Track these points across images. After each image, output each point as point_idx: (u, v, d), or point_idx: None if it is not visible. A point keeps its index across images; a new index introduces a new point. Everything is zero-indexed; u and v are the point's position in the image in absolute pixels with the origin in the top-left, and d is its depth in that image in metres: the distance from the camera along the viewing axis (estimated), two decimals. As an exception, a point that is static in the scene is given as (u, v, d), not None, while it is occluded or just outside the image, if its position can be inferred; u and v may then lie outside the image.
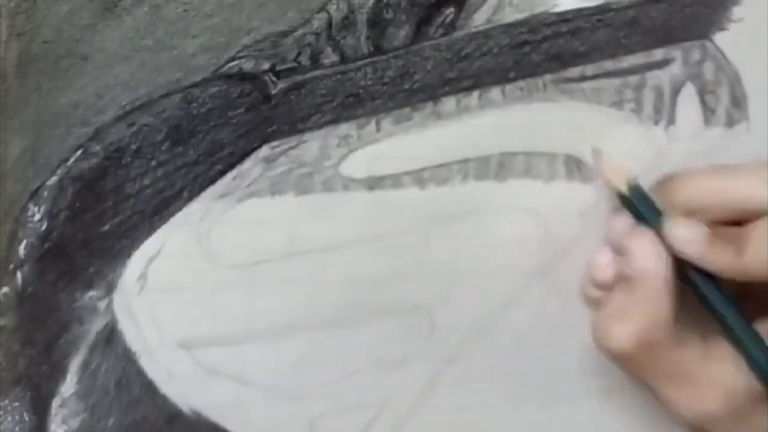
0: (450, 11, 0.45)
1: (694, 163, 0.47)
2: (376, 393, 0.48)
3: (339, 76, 0.45)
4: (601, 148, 0.47)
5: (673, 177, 0.46)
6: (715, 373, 0.44)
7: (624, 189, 0.46)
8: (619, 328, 0.44)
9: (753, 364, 0.43)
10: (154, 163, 0.43)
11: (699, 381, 0.44)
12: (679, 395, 0.44)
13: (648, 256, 0.44)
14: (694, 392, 0.44)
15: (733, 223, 0.44)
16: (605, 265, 0.46)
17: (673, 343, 0.44)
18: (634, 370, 0.45)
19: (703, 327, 0.45)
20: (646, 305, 0.43)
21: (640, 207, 0.45)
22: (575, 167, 0.48)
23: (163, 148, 0.43)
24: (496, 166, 0.47)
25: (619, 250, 0.45)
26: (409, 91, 0.45)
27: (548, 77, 0.47)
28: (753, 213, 0.43)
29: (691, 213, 0.44)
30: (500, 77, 0.46)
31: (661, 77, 0.48)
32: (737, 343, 0.44)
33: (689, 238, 0.44)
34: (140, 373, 0.45)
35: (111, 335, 0.44)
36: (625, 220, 0.46)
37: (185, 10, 0.42)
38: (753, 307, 0.45)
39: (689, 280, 0.45)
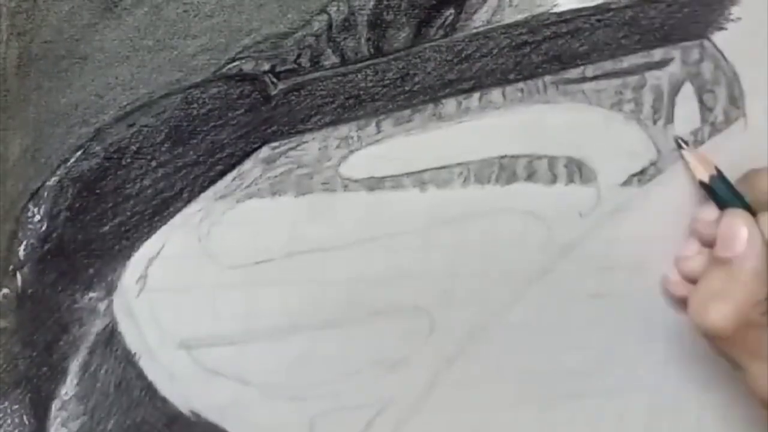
0: (450, 13, 0.45)
1: None
2: (376, 393, 0.48)
3: (339, 78, 0.45)
4: (681, 139, 0.49)
5: (759, 172, 0.48)
6: None
7: (707, 179, 0.48)
8: (718, 308, 0.45)
9: None
10: (154, 163, 0.43)
11: None
12: (763, 373, 0.46)
13: (746, 237, 0.45)
14: None
15: None
16: (695, 254, 0.48)
17: (765, 323, 0.45)
18: (725, 347, 0.46)
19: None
20: (745, 285, 0.45)
21: (725, 195, 0.47)
22: (576, 169, 0.48)
23: (164, 148, 0.43)
24: (497, 169, 0.47)
25: (706, 241, 0.47)
26: (410, 93, 0.45)
27: (548, 78, 0.47)
28: None
29: None
30: (501, 78, 0.46)
31: (660, 77, 0.48)
32: None
33: None
34: (140, 375, 0.44)
35: (111, 337, 0.44)
36: (711, 212, 0.48)
37: (185, 11, 0.42)
38: None
39: None
